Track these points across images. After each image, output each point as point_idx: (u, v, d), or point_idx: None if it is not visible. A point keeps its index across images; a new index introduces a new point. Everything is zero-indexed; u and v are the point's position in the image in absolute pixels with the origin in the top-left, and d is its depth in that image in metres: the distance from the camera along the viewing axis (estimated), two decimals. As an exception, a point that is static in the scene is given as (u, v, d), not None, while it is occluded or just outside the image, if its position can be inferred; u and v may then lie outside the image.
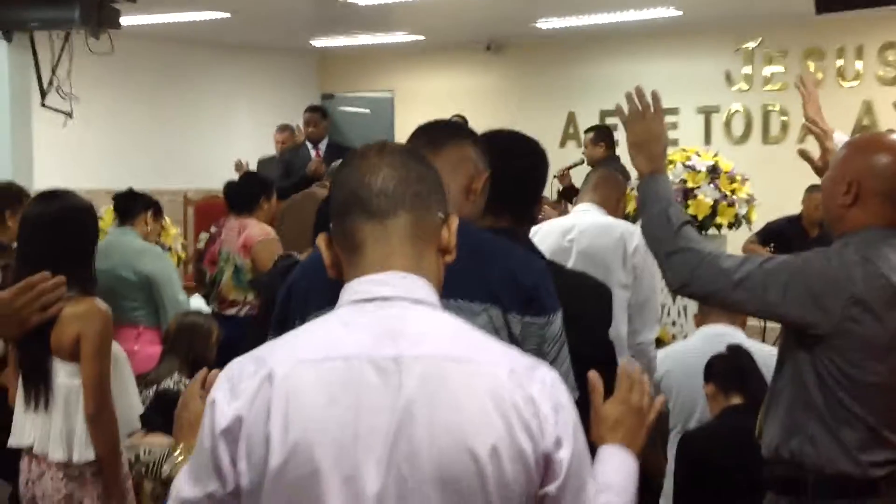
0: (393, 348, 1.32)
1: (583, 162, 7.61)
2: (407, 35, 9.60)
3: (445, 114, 9.45)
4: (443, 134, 2.01)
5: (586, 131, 7.66)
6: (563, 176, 7.59)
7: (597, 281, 2.44)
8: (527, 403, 1.32)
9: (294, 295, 1.84)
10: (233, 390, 1.34)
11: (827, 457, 2.26)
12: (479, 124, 8.57)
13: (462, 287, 1.79)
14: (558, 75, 9.80)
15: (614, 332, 3.41)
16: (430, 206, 1.43)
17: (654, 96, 2.43)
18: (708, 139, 8.95)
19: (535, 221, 2.33)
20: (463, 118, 9.21)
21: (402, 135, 10.93)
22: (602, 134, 7.50)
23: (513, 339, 1.82)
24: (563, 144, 9.76)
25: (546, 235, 3.50)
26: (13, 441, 3.05)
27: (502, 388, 1.32)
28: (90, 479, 2.99)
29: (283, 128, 8.60)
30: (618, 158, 7.06)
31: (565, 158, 8.71)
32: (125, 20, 6.75)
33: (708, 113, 9.05)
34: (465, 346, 1.36)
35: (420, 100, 10.58)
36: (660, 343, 4.56)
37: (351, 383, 1.31)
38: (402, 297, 1.37)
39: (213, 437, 1.33)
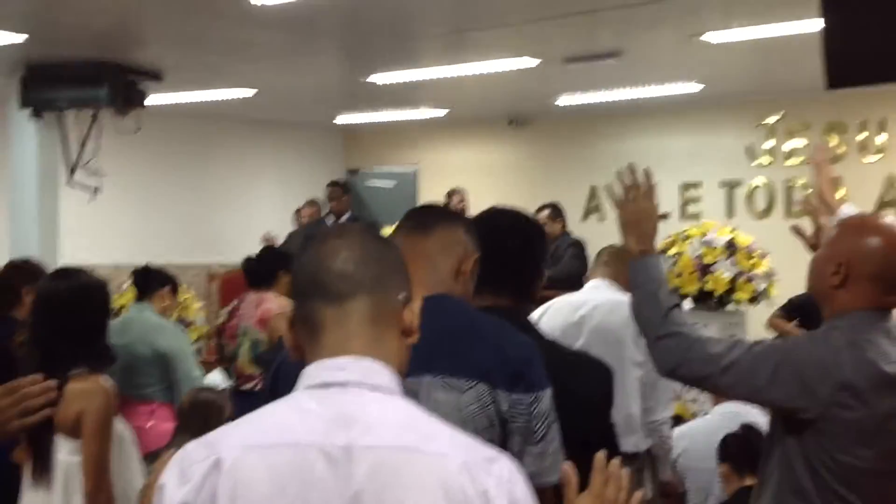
0: (344, 437, 1.30)
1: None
2: (430, 110, 9.73)
3: (469, 187, 9.57)
4: (432, 217, 2.04)
5: (539, 209, 7.82)
6: None
7: (598, 360, 2.42)
8: (480, 498, 1.29)
9: (282, 375, 1.84)
10: (181, 475, 1.32)
11: None
12: (501, 197, 8.61)
13: (450, 364, 1.80)
14: (580, 150, 9.86)
15: (626, 411, 3.39)
16: (390, 288, 1.42)
17: (647, 174, 2.44)
18: (730, 213, 8.92)
19: (537, 299, 2.32)
20: (458, 191, 9.33)
21: (425, 209, 11.04)
22: (558, 210, 7.91)
23: (501, 417, 1.81)
24: (585, 218, 9.77)
25: (557, 311, 3.49)
26: None
27: (453, 481, 1.29)
28: None
29: (310, 203, 8.75)
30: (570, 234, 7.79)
31: (587, 232, 8.72)
32: (151, 99, 6.92)
33: (730, 187, 9.04)
34: (418, 436, 1.33)
35: (444, 173, 10.67)
36: (679, 420, 4.51)
37: (299, 472, 1.29)
38: (359, 382, 1.35)
39: None
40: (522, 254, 2.29)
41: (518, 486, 1.33)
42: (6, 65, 6.69)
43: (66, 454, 2.99)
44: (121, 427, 3.12)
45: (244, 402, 4.32)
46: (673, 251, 5.34)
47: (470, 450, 1.34)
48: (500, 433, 1.82)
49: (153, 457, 3.73)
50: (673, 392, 3.63)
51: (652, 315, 2.33)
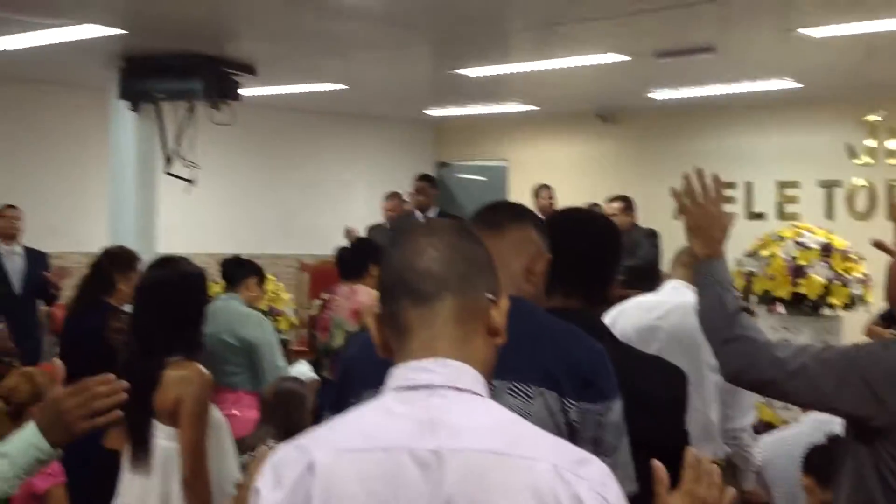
0: (433, 440, 1.30)
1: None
2: (520, 105, 9.70)
3: (558, 182, 9.51)
4: (504, 216, 2.00)
5: (611, 200, 7.62)
6: None
7: (671, 364, 2.37)
8: (571, 501, 1.27)
9: (350, 371, 1.84)
10: (276, 479, 1.33)
11: None
12: (592, 193, 8.52)
13: (518, 369, 1.76)
14: (673, 146, 9.69)
15: (704, 418, 3.31)
16: (477, 287, 1.40)
17: (715, 178, 2.38)
18: (830, 214, 8.66)
19: (609, 302, 2.28)
20: (548, 186, 9.23)
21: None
22: (630, 203, 7.63)
23: (570, 426, 1.78)
24: (677, 216, 9.58)
25: (632, 313, 3.42)
26: (119, 501, 3.13)
27: (545, 484, 1.27)
28: None
29: (392, 195, 8.77)
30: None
31: (679, 230, 8.54)
32: (245, 91, 7.05)
33: (829, 187, 8.77)
34: (507, 439, 1.31)
35: (533, 168, 10.62)
36: (769, 427, 4.39)
37: (390, 476, 1.29)
38: (446, 385, 1.34)
39: None
40: (596, 255, 2.25)
41: (610, 489, 1.31)
42: (106, 58, 6.90)
43: (165, 440, 3.04)
44: (217, 414, 3.17)
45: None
46: (765, 252, 5.19)
47: (560, 452, 1.32)
48: (569, 442, 1.79)
49: (238, 444, 3.82)
50: (753, 399, 3.53)
51: (718, 319, 2.28)
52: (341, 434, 1.35)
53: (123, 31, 6.09)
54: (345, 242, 8.35)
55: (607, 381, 1.82)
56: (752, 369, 2.21)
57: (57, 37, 6.17)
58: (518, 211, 2.04)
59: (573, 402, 1.77)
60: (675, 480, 1.60)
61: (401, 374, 1.37)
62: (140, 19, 5.97)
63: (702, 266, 2.36)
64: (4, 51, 6.68)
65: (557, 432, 1.76)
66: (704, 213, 2.36)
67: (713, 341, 2.31)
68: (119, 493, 3.13)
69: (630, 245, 7.10)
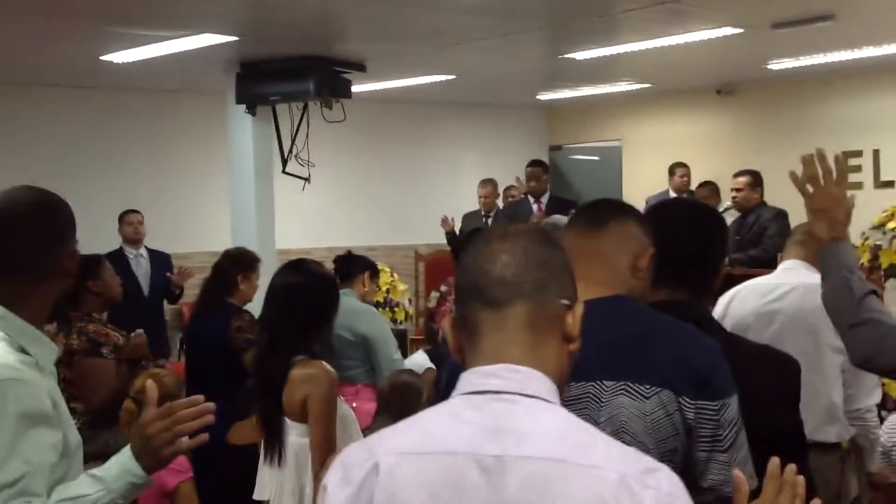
0: (497, 447, 1.29)
1: (730, 209, 7.34)
2: (633, 84, 9.55)
3: (674, 159, 9.32)
4: (605, 212, 1.98)
5: (737, 174, 7.28)
6: None
7: (783, 354, 2.31)
8: None
9: (455, 377, 1.87)
10: (344, 478, 1.36)
11: None
12: (711, 169, 8.33)
13: (632, 369, 1.76)
14: (794, 116, 9.37)
15: (827, 400, 3.22)
16: (551, 293, 1.38)
17: (837, 160, 2.31)
18: (963, 180, 8.25)
19: (715, 293, 2.24)
20: (684, 164, 9.03)
21: (630, 182, 10.87)
22: (758, 178, 7.16)
23: (686, 425, 1.75)
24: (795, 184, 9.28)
25: (747, 297, 3.34)
26: (256, 495, 3.25)
27: (609, 494, 1.25)
28: None
29: (486, 182, 8.76)
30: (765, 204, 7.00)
31: (803, 205, 8.27)
32: (356, 88, 7.17)
33: (963, 150, 8.35)
34: (574, 448, 1.30)
35: (648, 147, 10.45)
36: (899, 406, 4.23)
37: (452, 481, 1.29)
38: (514, 390, 1.33)
39: None
40: (702, 248, 2.21)
41: (679, 499, 1.28)
42: (222, 64, 7.12)
43: (297, 436, 3.14)
44: (344, 407, 3.25)
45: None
46: (892, 225, 5.00)
47: (627, 461, 1.30)
48: (686, 441, 1.76)
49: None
50: (878, 378, 3.40)
51: (844, 303, 2.22)
52: (407, 437, 1.36)
53: (238, 38, 6.28)
54: (442, 232, 8.45)
55: (723, 378, 1.79)
56: (880, 355, 2.15)
57: (177, 47, 6.41)
58: (619, 207, 2.02)
59: (690, 401, 1.75)
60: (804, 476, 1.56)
61: (469, 379, 1.37)
62: (254, 26, 6.15)
63: (826, 250, 2.30)
64: (131, 62, 6.98)
65: (674, 433, 1.75)
66: (827, 196, 2.30)
67: (839, 326, 2.26)
68: (257, 487, 3.25)
69: (757, 228, 6.87)
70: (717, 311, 3.34)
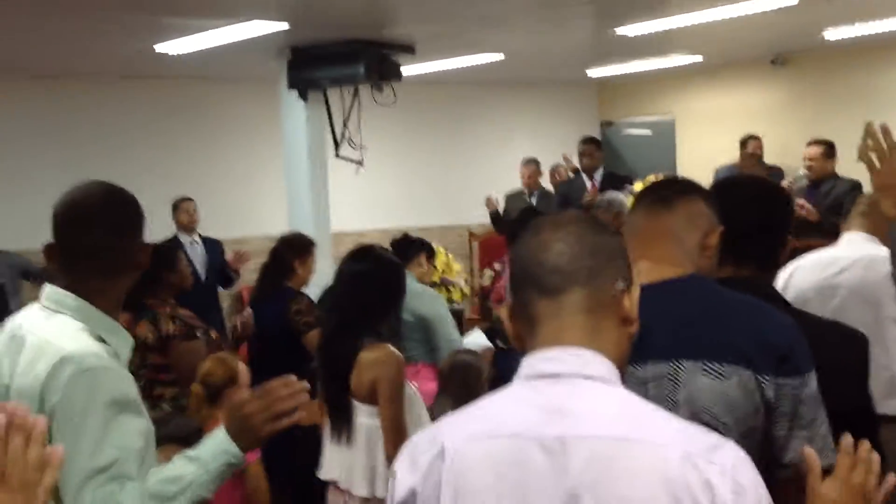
0: (559, 427, 1.31)
1: (802, 178, 7.25)
2: (685, 57, 9.43)
3: (729, 133, 9.21)
4: (673, 190, 1.98)
5: (811, 143, 7.16)
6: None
7: (851, 329, 2.29)
8: (703, 489, 1.25)
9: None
10: (412, 463, 1.40)
11: None
12: (766, 141, 8.14)
13: (710, 348, 1.76)
14: (851, 86, 9.19)
15: (888, 372, 3.19)
16: (606, 277, 1.40)
17: None
18: None
19: (779, 267, 2.23)
20: (756, 137, 8.90)
21: (684, 157, 10.76)
22: (832, 148, 7.07)
23: (766, 402, 1.75)
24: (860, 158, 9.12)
25: (808, 270, 3.31)
26: (322, 474, 3.33)
27: (674, 471, 1.26)
28: None
29: (529, 162, 8.75)
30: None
31: (864, 173, 8.12)
32: (405, 70, 7.18)
33: None
34: (634, 426, 1.31)
35: (701, 120, 10.33)
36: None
37: (517, 463, 1.32)
38: (573, 373, 1.35)
39: None
40: (766, 222, 2.20)
41: (744, 474, 1.28)
42: (273, 51, 7.18)
43: (366, 418, 3.20)
44: (410, 389, 3.30)
45: (512, 361, 4.46)
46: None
47: (691, 438, 1.31)
48: (766, 418, 1.76)
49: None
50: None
51: None
52: (471, 422, 1.39)
53: (288, 25, 6.33)
54: (486, 212, 8.46)
55: (802, 354, 1.79)
56: None
57: (229, 36, 6.49)
58: (687, 185, 2.02)
59: (769, 378, 1.74)
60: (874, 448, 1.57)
61: (530, 363, 1.40)
62: (303, 12, 6.19)
63: (894, 226, 2.26)
64: (185, 53, 7.08)
65: (754, 411, 1.75)
66: (893, 171, 2.26)
67: None
68: (323, 465, 3.31)
69: (832, 200, 6.75)
70: (778, 285, 3.31)
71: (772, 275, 2.25)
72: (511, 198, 8.68)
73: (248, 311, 4.33)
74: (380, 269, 3.33)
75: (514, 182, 9.11)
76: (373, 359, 3.16)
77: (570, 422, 1.32)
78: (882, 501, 1.53)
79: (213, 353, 4.18)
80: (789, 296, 3.21)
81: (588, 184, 7.75)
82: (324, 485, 3.35)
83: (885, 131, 2.27)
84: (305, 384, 1.96)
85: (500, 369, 4.23)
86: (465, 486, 1.34)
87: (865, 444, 1.55)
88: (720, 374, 1.74)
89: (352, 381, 3.18)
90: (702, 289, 1.85)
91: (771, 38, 8.72)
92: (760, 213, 2.21)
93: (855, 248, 3.32)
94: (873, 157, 2.28)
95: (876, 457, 1.55)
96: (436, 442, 1.39)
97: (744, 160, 8.54)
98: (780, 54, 9.60)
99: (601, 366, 1.37)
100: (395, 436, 3.11)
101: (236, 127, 9.26)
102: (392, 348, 3.21)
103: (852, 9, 7.04)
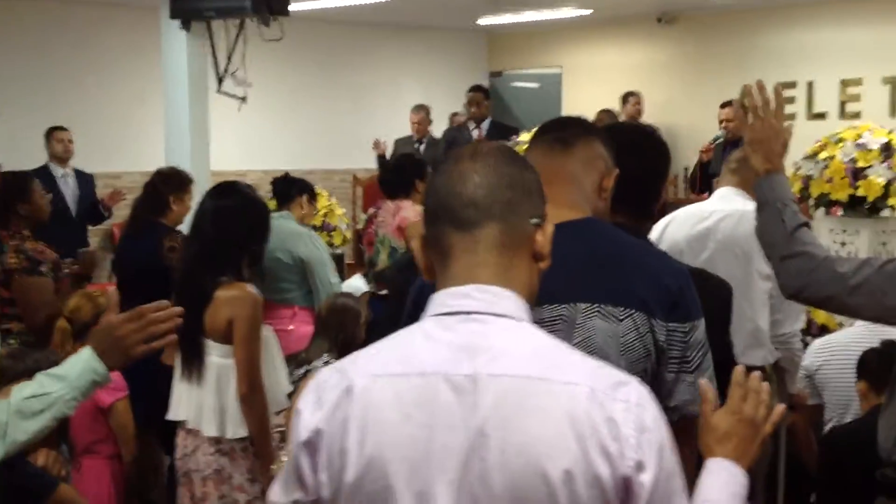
0: (470, 366, 1.30)
1: (720, 138, 7.50)
2: (575, 10, 9.48)
3: (615, 88, 9.34)
4: (571, 131, 1.95)
5: (724, 105, 7.38)
6: (707, 151, 7.74)
7: (716, 277, 2.35)
8: (607, 425, 1.26)
9: (426, 297, 1.85)
10: (317, 401, 1.36)
11: None
12: (649, 98, 8.31)
13: (606, 291, 1.77)
14: (734, 47, 9.42)
15: (753, 325, 3.30)
16: (521, 213, 1.38)
17: (777, 91, 2.32)
18: (894, 111, 8.39)
19: (655, 218, 2.26)
20: (635, 93, 9.04)
21: (570, 110, 10.85)
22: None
23: (657, 346, 1.78)
24: (735, 115, 9.39)
25: (681, 223, 3.39)
26: (171, 415, 3.26)
27: (580, 408, 1.27)
28: (240, 455, 3.14)
29: (419, 108, 8.72)
30: None
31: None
32: (294, 6, 6.99)
33: (894, 84, 8.48)
34: (544, 364, 1.31)
35: (589, 75, 10.44)
36: (825, 331, 4.36)
37: (426, 401, 1.30)
38: (484, 311, 1.34)
39: (296, 447, 1.37)
40: (645, 172, 2.22)
41: (647, 411, 1.29)
42: (156, -23, 6.89)
43: (218, 357, 3.14)
44: (266, 331, 3.25)
45: (383, 307, 4.44)
46: (823, 155, 5.07)
47: (598, 376, 1.31)
48: (656, 362, 1.79)
49: (293, 358, 3.91)
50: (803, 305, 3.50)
51: (776, 235, 2.25)
52: (380, 359, 1.37)
53: (170, -51, 6.07)
54: (373, 155, 8.41)
55: (693, 301, 1.82)
56: (812, 285, 2.18)
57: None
58: (586, 126, 2.00)
59: (661, 322, 1.77)
60: (722, 394, 1.60)
61: (440, 300, 1.38)
62: (185, -63, 5.94)
63: (762, 181, 2.32)
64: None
65: (646, 353, 1.78)
66: (765, 127, 2.30)
67: (772, 257, 2.28)
68: (172, 406, 3.24)
69: None
70: (653, 236, 3.38)
71: (646, 224, 2.28)
72: (400, 143, 8.63)
73: (91, 248, 4.19)
74: (243, 206, 3.24)
75: (402, 127, 9.03)
76: (229, 297, 3.10)
77: (481, 360, 1.30)
78: (770, 431, 1.57)
79: (65, 288, 4.04)
80: (664, 247, 3.28)
81: (475, 132, 7.75)
82: (175, 427, 3.28)
83: (761, 88, 2.32)
84: (179, 308, 1.96)
85: (373, 314, 4.22)
86: (371, 424, 1.31)
87: (756, 375, 1.58)
88: (615, 317, 1.76)
89: (206, 319, 3.11)
90: (600, 232, 1.86)
91: (659, -4, 8.85)
92: (639, 161, 2.22)
93: (726, 202, 3.41)
94: (748, 113, 2.32)
95: (766, 387, 1.58)
96: (344, 379, 1.36)
97: (598, 116, 8.65)
98: (667, 12, 9.76)
99: (512, 303, 1.36)
100: (249, 376, 3.08)
101: (114, 55, 8.88)
102: (250, 287, 3.15)
103: (737, -30, 7.18)
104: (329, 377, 1.37)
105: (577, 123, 2.01)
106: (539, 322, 1.72)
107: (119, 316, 1.93)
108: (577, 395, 1.27)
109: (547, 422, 1.26)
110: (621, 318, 1.76)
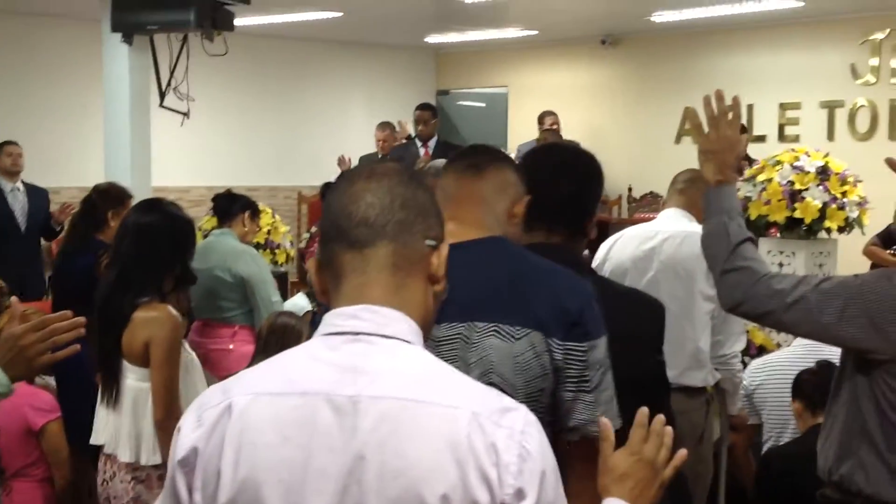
0: (352, 387, 1.28)
1: None
2: (521, 30, 9.55)
3: (560, 108, 9.41)
4: (484, 158, 2.00)
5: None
6: None
7: (650, 298, 2.37)
8: (487, 451, 1.24)
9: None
10: (198, 420, 1.33)
11: (877, 484, 2.17)
12: (593, 119, 8.45)
13: (503, 311, 1.77)
14: (676, 69, 9.56)
15: (694, 345, 3.33)
16: (415, 233, 1.36)
17: (735, 101, 2.33)
18: (831, 135, 8.57)
19: (589, 235, 2.28)
20: (553, 112, 9.12)
21: (516, 129, 10.93)
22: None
23: (555, 365, 1.78)
24: (678, 141, 9.54)
25: (627, 242, 3.42)
26: (93, 439, 3.17)
27: (461, 432, 1.24)
28: (156, 483, 3.00)
29: (384, 125, 8.70)
30: None
31: (680, 155, 8.50)
32: (239, 21, 6.93)
33: (832, 108, 8.67)
34: (428, 388, 1.29)
35: (534, 94, 10.50)
36: (763, 351, 4.42)
37: (305, 422, 1.27)
38: (372, 332, 1.32)
39: (172, 466, 1.34)
40: (578, 191, 2.24)
41: (532, 438, 1.27)
42: (97, -11, 6.79)
43: (135, 380, 3.05)
44: (188, 354, 3.18)
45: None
46: (762, 178, 5.15)
47: (482, 401, 1.29)
48: (554, 382, 1.79)
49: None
50: (744, 326, 3.55)
51: (720, 248, 2.26)
52: (264, 378, 1.34)
53: (112, -38, 5.98)
54: (338, 172, 8.36)
55: (593, 320, 1.83)
56: (751, 299, 2.20)
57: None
58: (496, 154, 2.04)
59: (559, 342, 1.78)
60: (654, 414, 1.59)
61: (329, 320, 1.35)
62: (128, -51, 5.87)
63: (711, 192, 2.32)
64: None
65: (542, 372, 1.78)
66: (720, 138, 2.31)
67: (714, 269, 2.29)
68: (94, 431, 3.15)
69: None
70: (599, 256, 3.42)
71: (580, 243, 2.30)
72: (364, 160, 8.59)
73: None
74: (165, 224, 3.16)
75: (349, 144, 9.00)
76: (147, 318, 3.01)
77: (364, 381, 1.28)
78: (670, 476, 1.55)
79: None
80: (608, 267, 3.31)
81: (422, 150, 7.75)
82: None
83: (719, 97, 2.33)
84: (83, 319, 1.93)
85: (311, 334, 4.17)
86: (247, 445, 1.28)
87: (660, 418, 1.56)
88: (511, 336, 1.76)
89: (123, 341, 3.03)
90: (502, 251, 1.88)
91: (602, 18, 8.95)
92: (574, 181, 2.25)
93: (671, 223, 3.44)
94: (702, 123, 2.33)
95: (669, 430, 1.56)
96: (225, 397, 1.32)
97: (542, 136, 8.71)
98: (611, 34, 9.87)
99: (402, 325, 1.34)
100: (166, 400, 2.98)
101: (56, 68, 8.72)
102: (170, 309, 3.07)
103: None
104: (212, 396, 1.34)
105: (489, 151, 2.05)
106: (436, 340, 1.72)
107: (22, 326, 1.91)
108: (459, 419, 1.26)
109: (426, 445, 1.24)
110: (518, 337, 1.76)
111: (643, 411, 1.56)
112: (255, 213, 4.85)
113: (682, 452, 1.58)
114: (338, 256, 1.36)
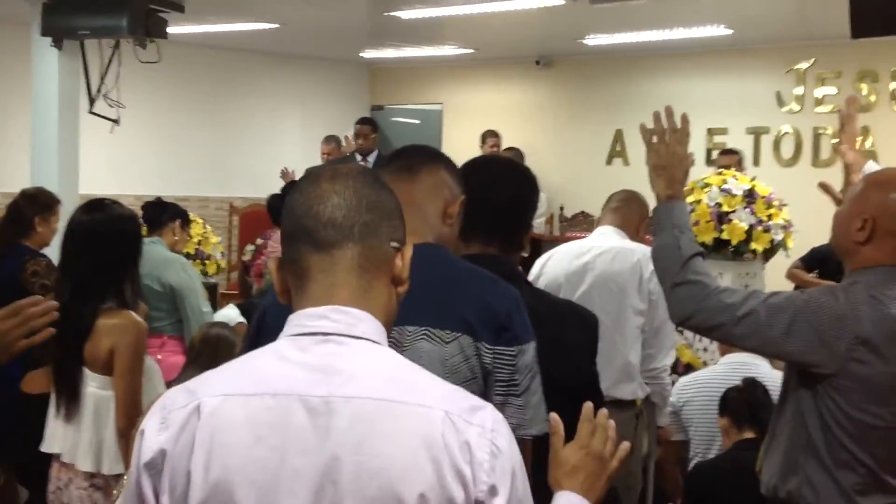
0: (324, 387, 1.28)
1: None
2: (456, 48, 9.62)
3: (494, 126, 9.50)
4: (418, 159, 2.00)
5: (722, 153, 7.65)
6: None
7: (584, 310, 2.41)
8: (461, 449, 1.27)
9: (268, 320, 1.82)
10: (163, 422, 1.31)
11: (825, 499, 2.20)
12: (526, 139, 8.55)
13: (434, 315, 1.79)
14: (607, 92, 9.72)
15: (624, 359, 3.39)
16: (381, 235, 1.37)
17: (684, 118, 2.38)
18: (757, 160, 8.79)
19: (525, 248, 2.31)
20: (495, 133, 9.23)
21: (449, 147, 10.95)
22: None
23: (484, 369, 1.80)
24: (609, 162, 9.68)
25: (562, 257, 3.47)
26: (45, 447, 3.08)
27: (436, 431, 1.27)
28: (116, 489, 2.99)
29: (329, 139, 8.69)
30: None
31: (611, 176, 8.64)
32: (173, 30, 6.85)
33: (758, 134, 8.90)
34: (400, 387, 1.30)
35: (468, 113, 10.58)
36: (690, 369, 4.50)
37: (279, 423, 1.27)
38: (342, 333, 1.32)
39: (137, 469, 1.31)
40: (514, 203, 2.27)
41: (501, 436, 1.31)
42: (27, -9, 6.66)
43: (96, 388, 2.99)
44: (149, 361, 3.13)
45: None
46: (691, 199, 5.26)
47: (453, 400, 1.32)
48: (483, 385, 1.81)
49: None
50: (674, 340, 3.62)
51: (671, 262, 2.29)
52: (231, 379, 1.33)
53: (44, -36, 5.88)
54: (281, 184, 8.29)
55: (521, 325, 1.85)
56: (702, 312, 2.23)
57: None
58: (430, 154, 2.04)
59: (488, 346, 1.80)
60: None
61: (297, 321, 1.35)
62: (61, -48, 5.77)
63: (661, 207, 2.36)
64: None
65: (472, 376, 1.80)
66: (670, 153, 2.35)
67: (664, 283, 2.32)
68: (46, 439, 3.08)
69: None
70: (534, 271, 3.47)
71: (516, 255, 2.32)
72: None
73: None
74: (115, 222, 3.09)
75: (282, 156, 8.95)
76: (111, 325, 2.96)
77: (336, 382, 1.28)
78: (615, 468, 1.60)
79: None
80: (543, 281, 3.35)
81: (361, 164, 7.75)
82: (44, 458, 3.12)
83: (669, 114, 2.38)
84: (56, 303, 1.92)
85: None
86: (219, 446, 1.27)
87: (603, 412, 1.62)
88: (441, 339, 1.78)
89: (86, 348, 2.97)
90: (432, 257, 1.89)
91: (537, 39, 9.06)
92: (510, 192, 2.27)
93: (604, 239, 3.51)
94: (653, 137, 2.37)
95: (612, 424, 1.61)
96: (192, 398, 1.31)
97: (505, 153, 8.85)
98: (545, 56, 9.99)
99: (370, 326, 1.35)
100: (130, 408, 2.94)
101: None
102: (134, 315, 3.02)
103: (611, 18, 7.41)
104: (176, 397, 1.33)
105: (423, 152, 2.06)
106: None
107: None
108: (433, 419, 1.28)
109: (402, 445, 1.26)
110: (447, 340, 1.78)
111: (588, 406, 1.60)
112: (186, 222, 4.79)
113: (626, 445, 1.63)
114: (304, 257, 1.36)
